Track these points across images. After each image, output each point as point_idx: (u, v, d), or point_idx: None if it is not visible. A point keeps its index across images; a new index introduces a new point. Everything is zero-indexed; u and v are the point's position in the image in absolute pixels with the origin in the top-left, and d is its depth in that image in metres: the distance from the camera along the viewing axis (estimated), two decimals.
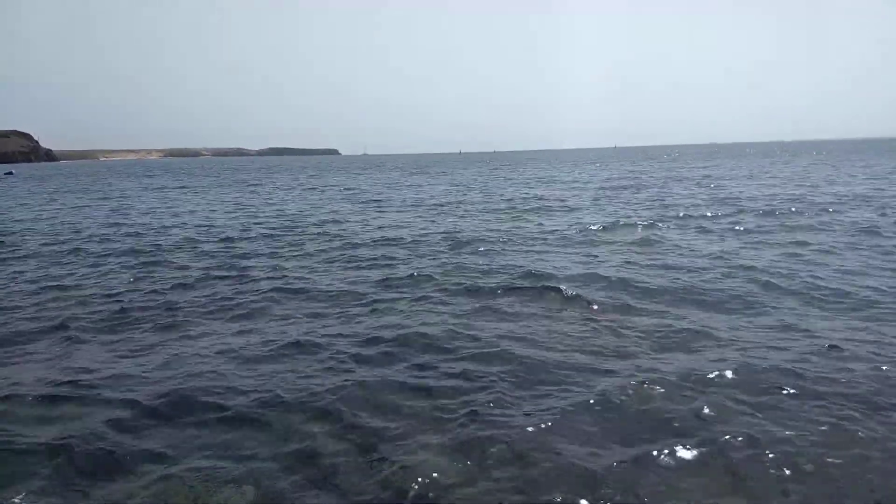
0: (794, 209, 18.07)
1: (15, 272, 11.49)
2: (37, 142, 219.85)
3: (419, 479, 3.96)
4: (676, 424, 4.63)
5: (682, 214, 17.88)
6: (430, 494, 3.84)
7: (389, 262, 11.52)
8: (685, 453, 4.21)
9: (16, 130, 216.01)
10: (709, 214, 17.59)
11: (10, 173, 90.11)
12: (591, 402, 4.99)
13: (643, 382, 5.28)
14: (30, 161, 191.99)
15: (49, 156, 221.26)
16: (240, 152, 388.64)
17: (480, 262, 11.12)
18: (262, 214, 21.52)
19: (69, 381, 5.71)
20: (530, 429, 4.53)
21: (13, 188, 46.10)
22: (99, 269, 11.73)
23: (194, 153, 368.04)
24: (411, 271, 10.26)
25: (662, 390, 5.17)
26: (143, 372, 6.00)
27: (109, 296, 9.31)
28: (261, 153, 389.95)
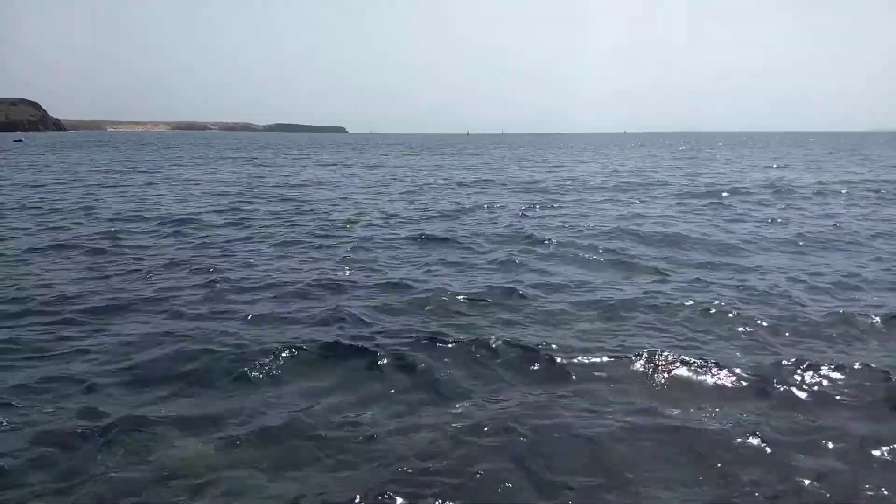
0: None
1: None
2: (45, 111, 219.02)
3: None
4: None
5: None
6: None
7: None
8: None
9: (24, 99, 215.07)
10: None
11: (20, 140, 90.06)
12: None
13: None
14: (38, 130, 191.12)
15: (57, 125, 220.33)
16: (247, 127, 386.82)
17: None
18: None
19: None
20: None
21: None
22: None
23: (202, 127, 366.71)
24: None
25: None
26: None
27: None
28: (268, 129, 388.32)
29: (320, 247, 11.42)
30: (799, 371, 5.48)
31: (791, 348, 6.18)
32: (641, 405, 4.93)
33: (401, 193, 21.59)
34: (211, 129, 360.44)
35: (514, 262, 10.00)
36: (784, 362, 5.66)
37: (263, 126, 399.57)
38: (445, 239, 12.11)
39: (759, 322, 6.84)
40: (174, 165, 37.65)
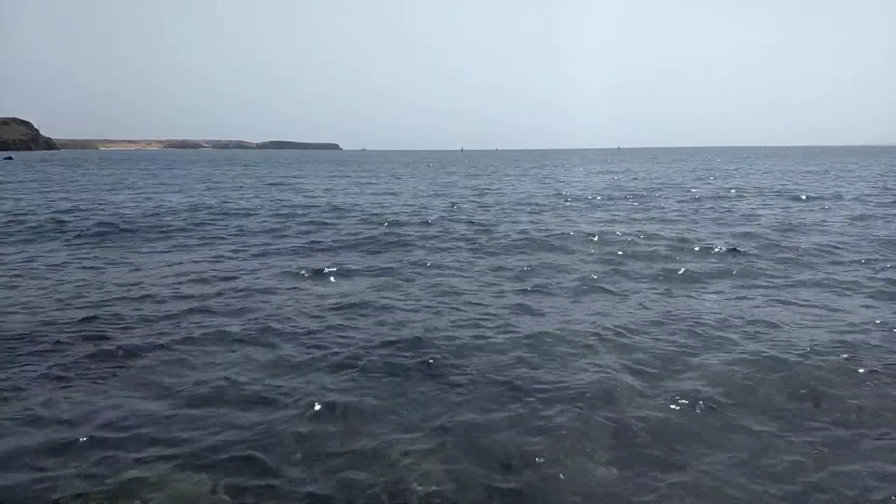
0: None
1: None
2: (37, 130, 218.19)
3: None
4: None
5: None
6: None
7: None
8: None
9: (15, 118, 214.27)
10: None
11: (10, 158, 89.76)
12: None
13: None
14: (30, 149, 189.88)
15: (49, 144, 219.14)
16: (240, 145, 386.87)
17: None
18: None
19: None
20: None
21: None
22: None
23: (194, 145, 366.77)
24: None
25: None
26: None
27: None
28: (262, 146, 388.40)
29: None
30: None
31: None
32: None
33: None
34: (204, 147, 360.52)
35: None
36: None
37: (257, 144, 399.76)
38: None
39: None
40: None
